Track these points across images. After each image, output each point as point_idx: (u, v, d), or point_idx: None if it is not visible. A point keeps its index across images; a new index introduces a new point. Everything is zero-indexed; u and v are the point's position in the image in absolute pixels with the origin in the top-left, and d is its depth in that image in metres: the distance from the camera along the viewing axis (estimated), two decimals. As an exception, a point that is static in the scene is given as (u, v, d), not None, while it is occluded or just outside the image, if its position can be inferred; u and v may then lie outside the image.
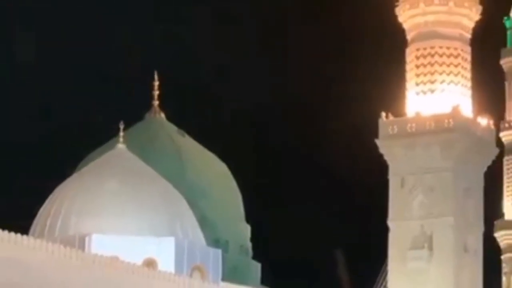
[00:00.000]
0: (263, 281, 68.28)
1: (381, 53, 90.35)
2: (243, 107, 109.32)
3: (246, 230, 71.46)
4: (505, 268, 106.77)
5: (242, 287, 61.31)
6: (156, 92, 70.57)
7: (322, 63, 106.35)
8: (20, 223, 56.03)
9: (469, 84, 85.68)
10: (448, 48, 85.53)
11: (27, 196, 63.31)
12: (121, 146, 62.16)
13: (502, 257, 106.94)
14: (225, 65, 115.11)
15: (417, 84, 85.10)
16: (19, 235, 48.10)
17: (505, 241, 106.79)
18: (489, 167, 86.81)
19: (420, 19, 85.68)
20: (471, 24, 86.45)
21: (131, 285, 49.50)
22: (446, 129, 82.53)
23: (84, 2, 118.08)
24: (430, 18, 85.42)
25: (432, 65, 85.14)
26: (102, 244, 54.98)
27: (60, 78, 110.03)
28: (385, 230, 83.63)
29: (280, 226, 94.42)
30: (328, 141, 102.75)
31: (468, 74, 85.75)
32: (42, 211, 60.13)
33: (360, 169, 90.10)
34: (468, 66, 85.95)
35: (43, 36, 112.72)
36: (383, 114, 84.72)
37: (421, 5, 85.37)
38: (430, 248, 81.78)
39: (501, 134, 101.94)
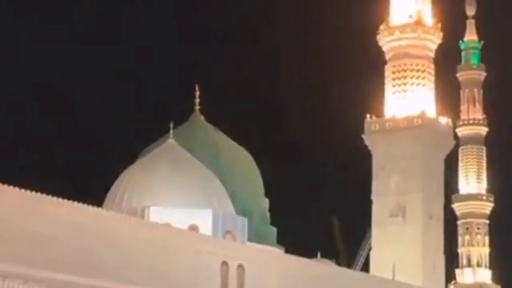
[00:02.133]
0: (278, 242, 68.38)
1: (366, 69, 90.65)
2: (260, 110, 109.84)
3: (265, 203, 71.43)
4: (460, 230, 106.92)
5: (262, 246, 61.37)
6: (197, 100, 70.66)
7: (326, 79, 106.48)
8: (96, 198, 56.39)
9: (433, 92, 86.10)
10: (417, 65, 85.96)
11: (101, 178, 63.55)
12: (171, 140, 62.33)
13: (458, 222, 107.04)
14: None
15: (393, 93, 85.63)
16: (95, 207, 48.56)
17: (460, 211, 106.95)
18: (448, 155, 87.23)
19: (395, 43, 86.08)
20: (434, 47, 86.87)
21: (179, 245, 49.73)
22: (415, 126, 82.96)
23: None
24: (403, 42, 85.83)
25: (404, 78, 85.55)
26: (157, 214, 55.09)
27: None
28: (370, 202, 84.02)
29: (291, 201, 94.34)
30: (328, 136, 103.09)
31: (432, 85, 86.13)
32: (113, 189, 60.42)
33: (352, 156, 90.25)
34: (432, 78, 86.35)
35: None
36: (368, 115, 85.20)
37: (397, 32, 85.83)
38: (404, 216, 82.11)
39: (457, 130, 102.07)
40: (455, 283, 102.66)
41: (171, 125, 63.52)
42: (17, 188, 40.87)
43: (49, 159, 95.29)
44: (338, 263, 75.14)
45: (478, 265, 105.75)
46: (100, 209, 51.78)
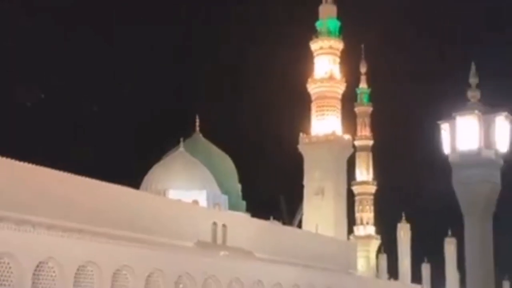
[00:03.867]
0: (246, 210, 68.30)
1: (300, 104, 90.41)
2: (237, 131, 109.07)
3: (239, 187, 71.68)
4: (356, 202, 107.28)
5: (237, 212, 61.52)
6: (197, 124, 70.90)
7: (275, 111, 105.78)
8: (134, 185, 56.10)
9: (340, 119, 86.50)
10: (330, 103, 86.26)
11: (139, 171, 63.07)
12: (181, 149, 62.51)
13: (355, 198, 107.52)
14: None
15: (316, 120, 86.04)
16: (135, 189, 48.73)
17: (357, 191, 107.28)
18: (349, 157, 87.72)
19: (318, 89, 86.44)
20: (341, 92, 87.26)
21: (186, 212, 49.89)
22: (329, 141, 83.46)
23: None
24: (322, 89, 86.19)
25: (323, 110, 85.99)
26: (173, 194, 55.45)
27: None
28: (302, 186, 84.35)
29: (254, 185, 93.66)
30: (277, 146, 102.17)
31: (339, 115, 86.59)
32: (145, 178, 60.38)
33: (292, 158, 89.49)
34: (339, 111, 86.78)
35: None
36: (301, 133, 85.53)
37: (318, 83, 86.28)
38: (323, 194, 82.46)
39: (355, 142, 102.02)
40: (353, 235, 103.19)
41: (181, 139, 63.88)
42: (88, 178, 41.07)
43: (107, 158, 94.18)
44: (283, 223, 75.40)
45: (367, 223, 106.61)
46: (138, 190, 52.04)
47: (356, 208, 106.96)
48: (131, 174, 61.81)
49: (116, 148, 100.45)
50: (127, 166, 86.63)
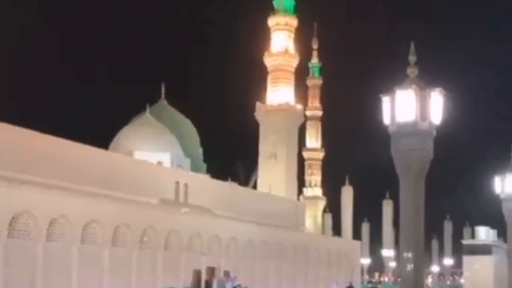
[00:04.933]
0: (207, 172, 68.21)
1: (257, 76, 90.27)
2: (200, 98, 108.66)
3: (200, 151, 71.48)
4: (306, 166, 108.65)
5: (198, 173, 61.57)
6: (163, 92, 70.35)
7: (236, 82, 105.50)
8: (103, 145, 55.62)
9: (293, 90, 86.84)
10: (285, 75, 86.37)
11: (107, 134, 62.10)
12: (147, 114, 62.01)
13: (305, 162, 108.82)
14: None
15: (271, 90, 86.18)
16: (104, 150, 48.35)
17: (307, 156, 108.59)
18: (300, 126, 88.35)
19: (273, 63, 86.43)
20: (295, 64, 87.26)
21: (152, 172, 49.84)
22: (283, 109, 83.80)
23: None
24: (278, 62, 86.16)
25: (277, 82, 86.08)
26: (139, 155, 54.84)
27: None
28: (258, 151, 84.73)
29: (214, 150, 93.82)
30: (237, 114, 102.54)
31: (293, 87, 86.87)
32: (114, 140, 59.73)
33: (249, 125, 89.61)
34: (293, 83, 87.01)
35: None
36: (258, 102, 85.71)
37: (274, 57, 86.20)
38: (276, 158, 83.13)
39: (306, 112, 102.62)
40: (303, 195, 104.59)
41: (147, 105, 63.33)
42: (62, 138, 40.59)
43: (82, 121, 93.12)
44: (240, 184, 75.85)
45: (315, 186, 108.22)
46: (107, 151, 51.67)
47: (305, 172, 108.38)
48: (101, 135, 61.33)
49: (88, 112, 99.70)
50: (98, 128, 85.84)
